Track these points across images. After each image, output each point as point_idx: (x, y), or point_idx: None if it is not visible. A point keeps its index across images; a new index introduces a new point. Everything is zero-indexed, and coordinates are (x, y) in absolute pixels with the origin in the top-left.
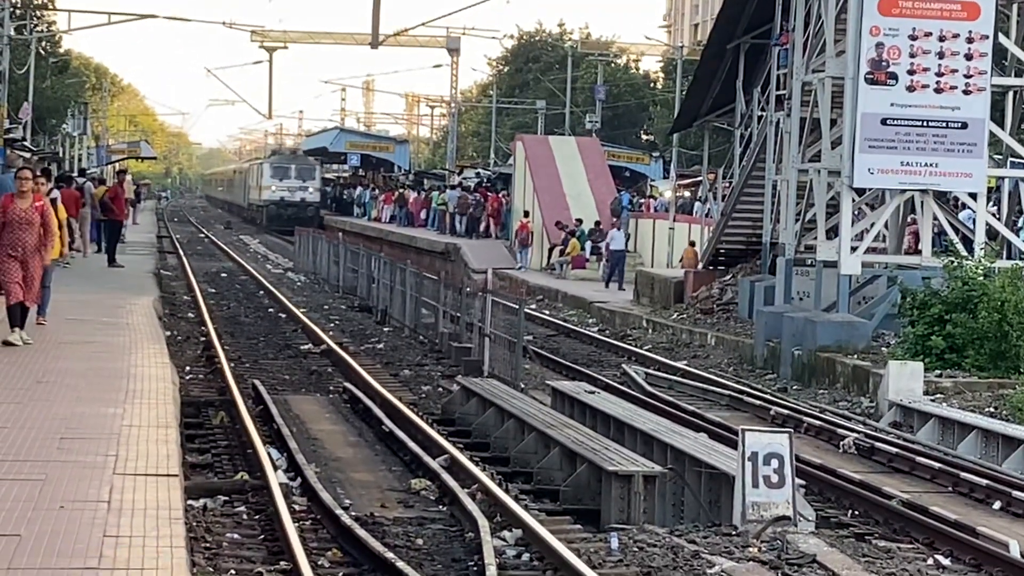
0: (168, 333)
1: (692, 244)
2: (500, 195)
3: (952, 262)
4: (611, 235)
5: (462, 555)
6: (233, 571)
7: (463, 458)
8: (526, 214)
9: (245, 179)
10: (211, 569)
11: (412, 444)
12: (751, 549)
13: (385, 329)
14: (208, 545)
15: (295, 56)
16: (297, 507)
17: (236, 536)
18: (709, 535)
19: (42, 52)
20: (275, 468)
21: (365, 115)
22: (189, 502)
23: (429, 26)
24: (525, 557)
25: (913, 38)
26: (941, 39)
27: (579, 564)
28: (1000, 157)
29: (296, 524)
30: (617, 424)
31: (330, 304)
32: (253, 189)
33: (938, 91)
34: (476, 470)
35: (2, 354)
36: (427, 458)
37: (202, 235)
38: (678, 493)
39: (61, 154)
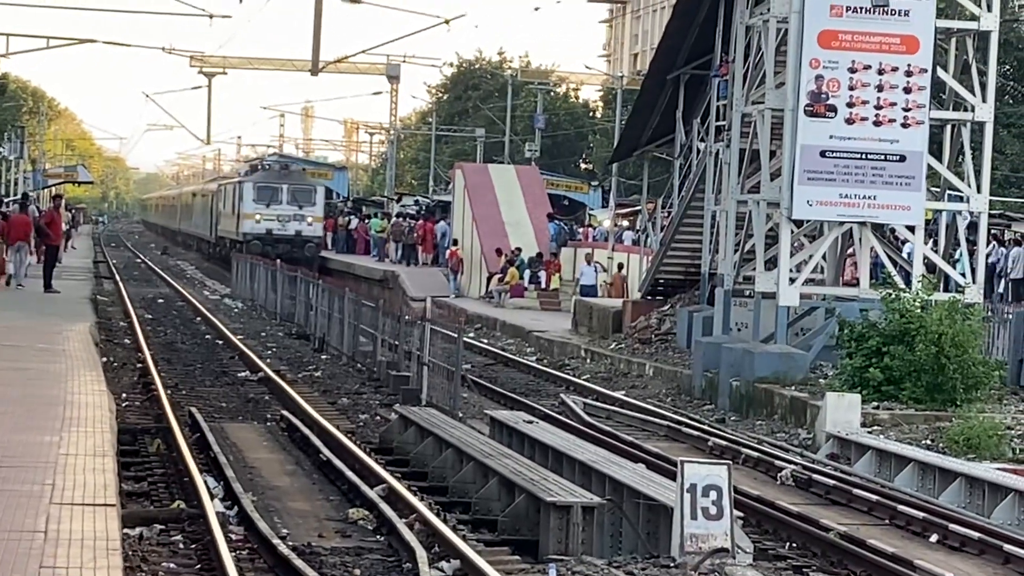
0: (104, 359)
1: (620, 267)
2: (429, 222)
3: (890, 294)
4: (581, 270)
5: None
6: None
7: (401, 488)
8: (455, 242)
9: (213, 204)
10: None
11: (350, 473)
12: None
13: (323, 357)
14: (144, 575)
15: (234, 82)
16: (234, 536)
17: (172, 566)
18: (647, 567)
19: None
20: (212, 497)
21: (304, 141)
22: (126, 531)
23: (369, 53)
24: None
25: (852, 71)
26: (880, 72)
27: None
28: (938, 190)
29: (233, 554)
30: (555, 454)
31: (268, 331)
32: (226, 218)
33: (877, 124)
34: (414, 500)
35: None
36: (365, 487)
37: (139, 260)
38: (616, 524)
39: None
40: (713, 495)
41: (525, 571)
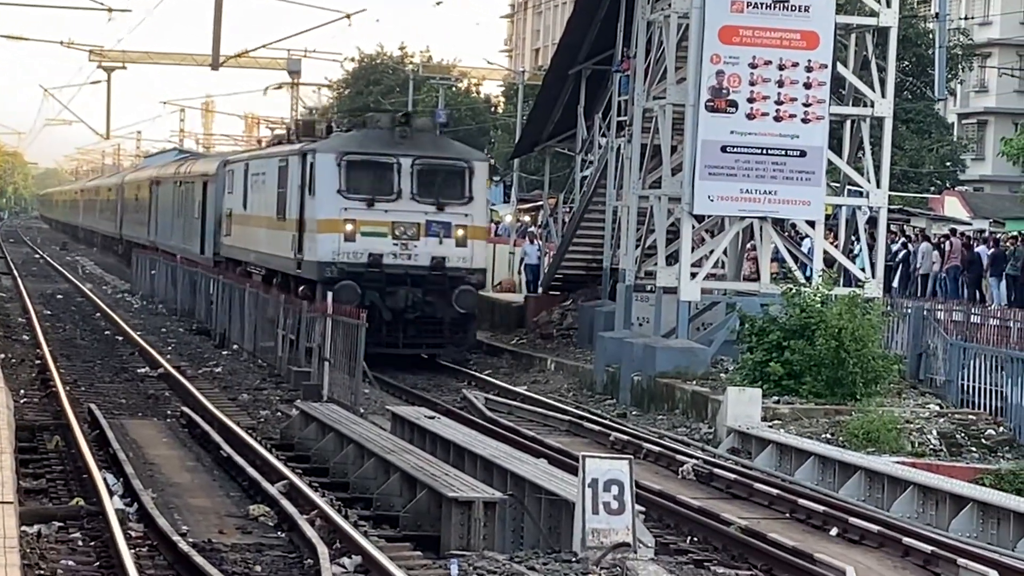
0: (2, 356)
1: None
2: None
3: (790, 289)
4: (524, 249)
5: None
6: None
7: (302, 484)
8: None
9: (206, 196)
10: None
11: (250, 469)
12: None
13: (224, 352)
14: (43, 573)
15: (134, 76)
16: (134, 533)
17: (71, 563)
18: (549, 562)
19: None
20: (111, 494)
21: (204, 136)
22: (23, 528)
23: (270, 48)
24: None
25: (753, 66)
26: (781, 68)
27: None
28: (838, 185)
29: (132, 551)
30: (457, 450)
31: (168, 327)
32: (245, 226)
33: (777, 119)
34: (315, 496)
35: None
36: (266, 484)
37: (37, 256)
38: (518, 519)
39: None
40: (615, 490)
41: (427, 567)
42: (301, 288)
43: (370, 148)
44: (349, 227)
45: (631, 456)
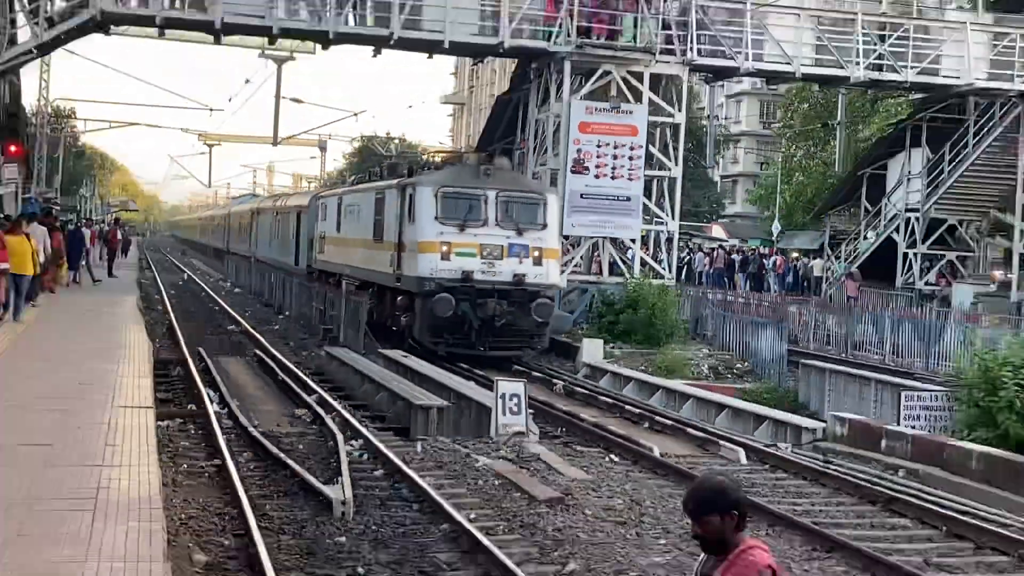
0: (145, 319)
1: None
2: None
3: (624, 280)
4: None
5: (326, 455)
6: (186, 464)
7: (327, 396)
8: None
9: (305, 223)
10: (172, 463)
11: (296, 387)
12: (501, 452)
13: (280, 317)
14: (170, 449)
15: (225, 149)
16: (224, 426)
17: (187, 444)
18: (476, 443)
19: (67, 144)
20: (211, 401)
21: (268, 187)
22: (158, 423)
23: (308, 133)
24: (365, 456)
25: (599, 146)
26: (615, 147)
27: (396, 460)
28: (649, 218)
29: (224, 436)
30: (421, 376)
31: (247, 301)
32: (338, 246)
33: (613, 178)
34: (335, 403)
35: (39, 333)
36: (305, 396)
37: (168, 259)
38: (458, 417)
39: (78, 207)
40: (515, 400)
41: (401, 446)
42: (399, 298)
43: (461, 183)
44: (444, 248)
45: (525, 380)
